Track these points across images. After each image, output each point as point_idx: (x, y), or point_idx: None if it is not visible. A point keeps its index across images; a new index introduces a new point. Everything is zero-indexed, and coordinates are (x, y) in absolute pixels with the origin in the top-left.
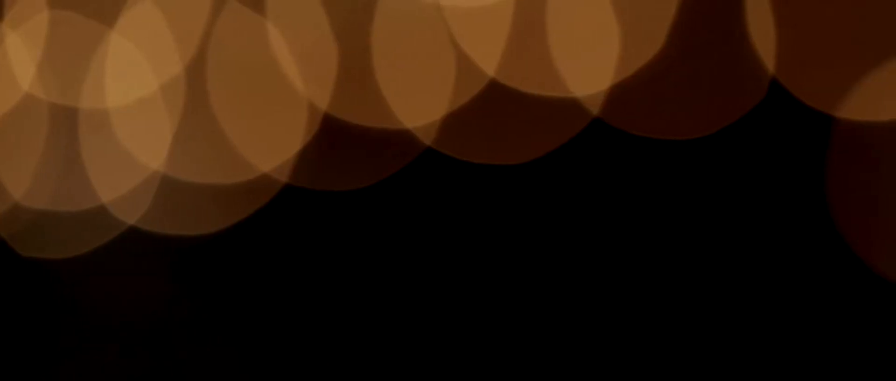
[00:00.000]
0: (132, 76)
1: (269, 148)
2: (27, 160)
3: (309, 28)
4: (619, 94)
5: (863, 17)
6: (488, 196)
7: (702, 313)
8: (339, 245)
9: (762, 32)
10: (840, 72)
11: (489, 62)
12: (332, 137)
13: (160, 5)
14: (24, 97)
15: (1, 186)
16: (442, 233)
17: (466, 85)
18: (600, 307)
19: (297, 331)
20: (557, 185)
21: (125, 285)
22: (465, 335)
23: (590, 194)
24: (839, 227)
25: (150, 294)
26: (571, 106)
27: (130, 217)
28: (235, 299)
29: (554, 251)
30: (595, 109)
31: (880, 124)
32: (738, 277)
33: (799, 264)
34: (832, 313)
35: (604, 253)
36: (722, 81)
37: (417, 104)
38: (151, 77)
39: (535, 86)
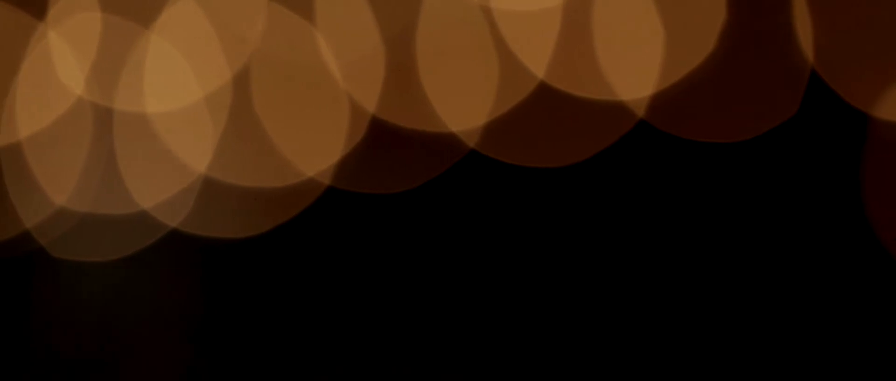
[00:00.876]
0: (176, 79)
1: (314, 151)
2: (71, 164)
3: (355, 31)
4: (666, 97)
5: None
6: (532, 199)
7: (746, 312)
8: (382, 248)
9: (806, 33)
10: (881, 71)
11: (538, 65)
12: (377, 140)
13: (205, 7)
14: (75, 102)
15: (43, 191)
16: (486, 236)
17: (514, 88)
18: (648, 310)
19: (341, 334)
20: (602, 188)
21: (167, 287)
22: (511, 338)
23: (635, 197)
24: (875, 227)
25: (192, 297)
26: (617, 109)
27: (173, 220)
28: (278, 302)
29: (598, 255)
30: (641, 112)
31: None
32: (773, 277)
33: (835, 265)
34: (869, 313)
35: (649, 256)
36: (767, 84)
37: (463, 107)
38: (196, 80)
39: (582, 89)
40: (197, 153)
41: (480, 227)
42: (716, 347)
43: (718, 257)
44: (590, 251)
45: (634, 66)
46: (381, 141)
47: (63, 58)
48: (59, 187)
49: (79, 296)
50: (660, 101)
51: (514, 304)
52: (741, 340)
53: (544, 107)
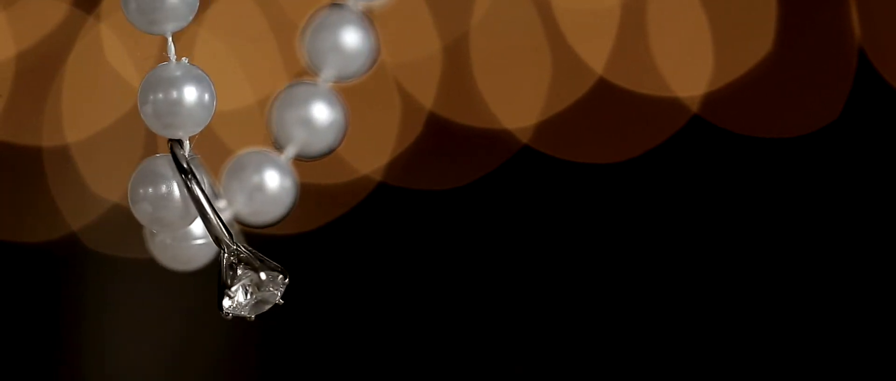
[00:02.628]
0: (231, 76)
1: (367, 149)
2: (128, 161)
3: (412, 29)
4: (721, 94)
5: None
6: (585, 196)
7: (801, 303)
8: (434, 245)
9: (859, 31)
10: None
11: (597, 62)
12: (431, 137)
13: (261, 6)
14: (129, 99)
15: (92, 189)
16: (538, 232)
17: (569, 85)
18: (701, 300)
19: (395, 327)
20: (656, 183)
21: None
22: (566, 330)
23: (689, 193)
24: None
25: None
26: (672, 105)
27: (225, 215)
28: (330, 297)
29: (651, 250)
30: (695, 108)
31: None
32: (824, 268)
33: (887, 259)
34: None
35: (704, 250)
36: (820, 82)
37: (517, 105)
38: (248, 81)
39: (639, 85)
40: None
41: (533, 223)
42: (777, 340)
43: (772, 251)
44: (643, 246)
45: (690, 63)
46: (435, 138)
47: (115, 56)
48: (111, 186)
49: (130, 290)
50: (715, 97)
51: (567, 298)
52: (806, 328)
53: (599, 104)
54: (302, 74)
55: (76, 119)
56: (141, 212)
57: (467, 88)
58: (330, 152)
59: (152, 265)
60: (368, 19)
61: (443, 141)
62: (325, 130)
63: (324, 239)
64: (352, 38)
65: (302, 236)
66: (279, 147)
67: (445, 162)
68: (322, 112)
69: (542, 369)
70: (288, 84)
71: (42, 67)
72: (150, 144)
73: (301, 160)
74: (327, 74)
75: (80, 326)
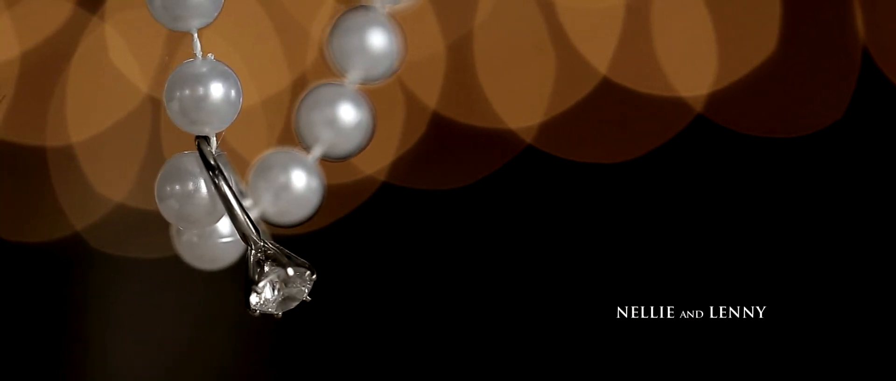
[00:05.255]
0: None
1: (371, 149)
2: (132, 161)
3: (416, 30)
4: (724, 93)
5: None
6: (591, 195)
7: (806, 302)
8: (439, 243)
9: (863, 31)
10: None
11: (601, 61)
12: (435, 137)
13: (264, 6)
14: (143, 99)
15: (97, 190)
16: (542, 232)
17: (573, 85)
18: (706, 300)
19: (399, 327)
20: (660, 183)
21: (228, 282)
22: (569, 330)
23: (694, 192)
24: None
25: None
26: (676, 105)
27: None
28: (335, 296)
29: (654, 249)
30: (698, 107)
31: None
32: (828, 266)
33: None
34: None
35: (706, 250)
36: (824, 82)
37: (523, 104)
38: (253, 83)
39: (643, 84)
40: (253, 150)
41: (537, 223)
42: (782, 339)
43: (777, 250)
44: (647, 246)
45: (694, 62)
46: (439, 138)
47: (119, 55)
48: (116, 186)
49: (135, 293)
50: (718, 97)
51: (570, 298)
52: (815, 331)
53: (603, 103)
54: (306, 74)
55: (80, 119)
56: (168, 209)
57: (471, 87)
58: (356, 153)
59: (157, 265)
60: (395, 21)
61: (447, 141)
62: (351, 131)
63: (328, 239)
64: (378, 40)
65: (306, 236)
66: (306, 147)
67: (449, 162)
68: (349, 113)
69: (544, 368)
70: (314, 85)
71: (46, 66)
72: (154, 143)
73: (327, 161)
74: (354, 76)
75: (84, 326)
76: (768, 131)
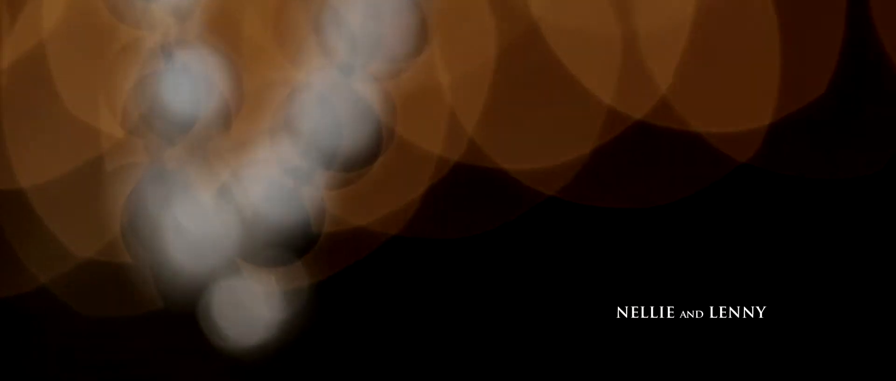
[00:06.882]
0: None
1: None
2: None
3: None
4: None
5: None
6: (623, 241)
7: (810, 308)
8: (437, 242)
9: None
10: None
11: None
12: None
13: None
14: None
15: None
16: (543, 231)
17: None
18: (710, 299)
19: (396, 324)
20: (697, 227)
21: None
22: (569, 332)
23: (693, 192)
24: None
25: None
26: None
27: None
28: (338, 296)
29: (655, 249)
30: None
31: None
32: (839, 271)
33: None
34: None
35: (707, 250)
36: (875, 124)
37: (558, 144)
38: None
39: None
40: None
41: (536, 223)
42: (788, 338)
43: (776, 251)
44: (646, 246)
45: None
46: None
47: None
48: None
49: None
50: (771, 136)
51: (568, 299)
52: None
53: (636, 145)
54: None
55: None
56: (138, 233)
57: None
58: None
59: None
60: None
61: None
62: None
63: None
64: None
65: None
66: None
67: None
68: None
69: (544, 368)
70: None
71: None
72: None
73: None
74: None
75: None
76: (819, 172)
